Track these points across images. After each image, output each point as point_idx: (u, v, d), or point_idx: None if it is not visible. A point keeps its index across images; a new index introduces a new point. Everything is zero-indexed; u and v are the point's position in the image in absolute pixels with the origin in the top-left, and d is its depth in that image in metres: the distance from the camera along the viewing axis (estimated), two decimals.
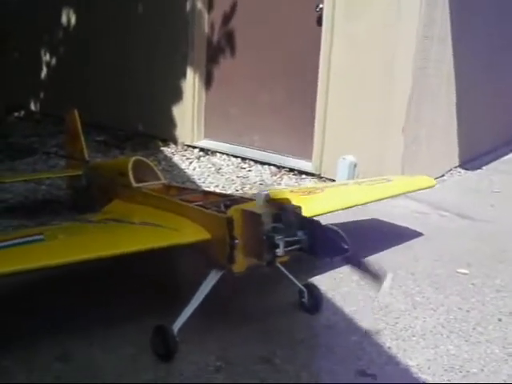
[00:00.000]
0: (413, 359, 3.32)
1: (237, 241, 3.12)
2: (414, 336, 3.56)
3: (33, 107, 10.19)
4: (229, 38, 7.56)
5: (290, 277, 3.70)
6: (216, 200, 3.80)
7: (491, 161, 8.17)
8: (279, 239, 2.96)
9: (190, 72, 7.79)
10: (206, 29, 7.74)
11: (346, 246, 2.90)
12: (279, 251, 2.98)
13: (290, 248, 3.00)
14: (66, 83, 9.25)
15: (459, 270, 4.52)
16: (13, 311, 3.62)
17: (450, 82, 7.00)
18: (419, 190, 5.29)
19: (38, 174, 6.55)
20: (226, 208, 3.39)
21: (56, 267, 3.09)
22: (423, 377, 3.15)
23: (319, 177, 6.75)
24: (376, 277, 3.05)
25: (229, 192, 6.14)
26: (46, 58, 9.78)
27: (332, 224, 3.10)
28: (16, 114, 9.94)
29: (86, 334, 3.38)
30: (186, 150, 7.95)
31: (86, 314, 3.61)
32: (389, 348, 3.42)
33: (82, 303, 3.74)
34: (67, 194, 5.81)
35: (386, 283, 2.86)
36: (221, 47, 7.65)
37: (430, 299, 4.05)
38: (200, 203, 3.65)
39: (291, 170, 7.03)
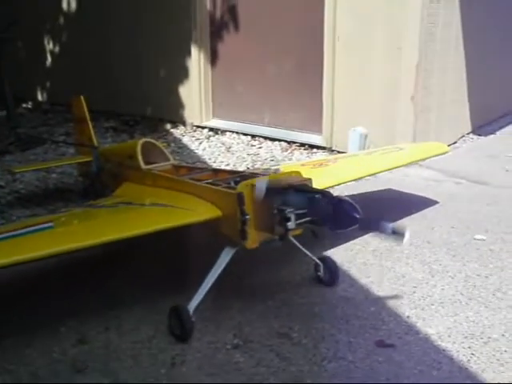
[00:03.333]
0: (432, 327, 3.28)
1: (248, 216, 3.08)
2: (432, 304, 3.52)
3: (40, 97, 10.19)
4: (232, 13, 7.46)
5: (305, 250, 3.67)
6: (226, 177, 3.77)
7: (504, 125, 8.06)
8: (290, 212, 2.92)
9: (194, 51, 7.73)
10: (208, 5, 7.65)
11: (358, 216, 2.85)
12: (291, 224, 2.94)
13: (301, 221, 2.97)
14: (71, 71, 9.23)
15: (476, 237, 4.46)
16: (28, 300, 3.62)
17: (459, 47, 6.88)
18: (432, 156, 5.22)
19: (47, 162, 6.55)
20: (236, 184, 3.35)
21: (66, 253, 3.08)
22: (443, 345, 3.11)
23: (330, 150, 6.69)
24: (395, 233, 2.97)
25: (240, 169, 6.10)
26: (51, 46, 9.76)
27: (345, 195, 3.05)
28: (24, 104, 9.94)
29: (102, 319, 3.38)
30: (195, 131, 7.92)
31: (100, 299, 3.61)
32: (408, 317, 3.38)
33: (95, 288, 3.74)
34: (78, 181, 5.81)
35: (407, 235, 2.80)
36: (224, 23, 7.56)
37: (448, 267, 4.00)
38: (210, 181, 3.63)
39: (302, 144, 6.98)
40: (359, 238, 4.36)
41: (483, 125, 7.74)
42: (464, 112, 7.36)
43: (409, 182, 5.70)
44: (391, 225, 2.82)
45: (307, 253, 3.68)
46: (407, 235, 2.80)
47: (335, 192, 3.18)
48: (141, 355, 3.06)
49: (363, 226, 2.92)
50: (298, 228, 3.08)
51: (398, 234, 2.84)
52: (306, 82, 6.96)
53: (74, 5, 9.20)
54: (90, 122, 5.38)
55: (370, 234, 4.43)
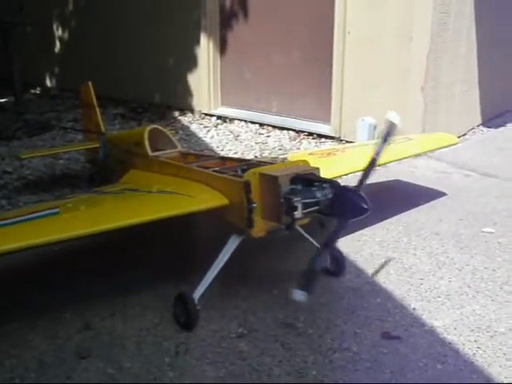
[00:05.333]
0: (438, 320, 3.26)
1: (254, 204, 3.07)
2: (439, 297, 3.50)
3: (49, 83, 10.18)
4: (242, 1, 7.41)
5: (312, 240, 3.64)
6: (233, 165, 3.74)
7: None
8: (297, 201, 2.90)
9: (203, 39, 7.69)
10: None
11: (365, 206, 2.82)
12: (298, 213, 2.92)
13: (308, 210, 2.94)
14: (80, 57, 9.20)
15: (484, 229, 4.43)
16: (33, 285, 3.62)
17: (471, 37, 6.80)
18: (441, 148, 5.17)
19: (55, 148, 6.55)
20: (243, 173, 3.32)
21: (72, 239, 3.07)
22: (449, 337, 3.09)
23: (339, 139, 6.65)
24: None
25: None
26: (60, 32, 9.73)
27: (353, 185, 3.02)
28: (32, 90, 9.93)
29: (107, 305, 3.37)
30: (203, 119, 7.89)
31: (106, 285, 3.61)
32: (414, 309, 3.36)
33: (101, 274, 3.73)
34: (85, 168, 5.80)
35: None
36: (234, 12, 7.52)
37: (455, 259, 3.97)
38: (217, 169, 3.60)
39: (310, 133, 6.94)
40: (366, 229, 4.35)
41: (493, 117, 7.67)
42: (474, 103, 7.29)
43: (417, 174, 5.66)
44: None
45: (314, 242, 3.65)
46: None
47: (343, 182, 3.14)
48: (145, 343, 3.06)
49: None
50: (305, 217, 3.05)
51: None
52: (315, 71, 6.91)
53: None
54: (97, 109, 5.36)
55: (378, 224, 4.43)
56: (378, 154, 2.91)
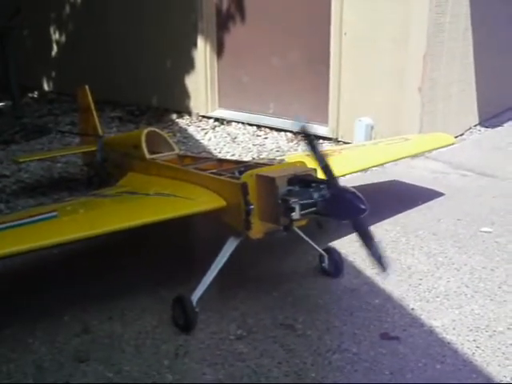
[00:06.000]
0: (437, 320, 3.26)
1: (252, 206, 3.07)
2: (437, 297, 3.50)
3: (46, 87, 10.18)
4: (238, 4, 7.42)
5: (310, 242, 3.64)
6: (230, 167, 3.74)
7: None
8: (294, 202, 2.90)
9: (200, 42, 7.70)
10: None
11: (363, 206, 2.82)
12: (295, 215, 2.91)
13: (306, 211, 2.94)
14: (77, 61, 9.20)
15: (482, 229, 4.43)
16: (31, 289, 3.62)
17: (467, 38, 6.81)
18: (438, 148, 5.18)
19: (52, 151, 6.55)
20: (241, 174, 3.32)
21: (70, 243, 3.06)
22: (448, 337, 3.09)
23: (336, 140, 6.65)
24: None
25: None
26: (57, 36, 9.74)
27: (350, 186, 3.02)
28: (30, 94, 9.93)
29: (105, 308, 3.37)
30: (200, 121, 7.90)
31: (104, 288, 3.60)
32: (412, 310, 3.36)
33: (99, 277, 3.73)
34: (83, 171, 5.80)
35: None
36: (230, 14, 7.52)
37: (453, 259, 3.97)
38: (214, 171, 3.61)
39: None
40: None
41: (490, 117, 7.68)
42: (471, 104, 7.30)
43: (415, 174, 5.66)
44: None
45: (312, 244, 3.66)
46: None
47: (340, 182, 3.14)
48: (144, 345, 3.05)
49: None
50: (303, 218, 3.05)
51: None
52: (312, 73, 6.92)
53: None
54: (94, 112, 5.36)
55: (375, 225, 4.43)
56: (321, 158, 2.91)
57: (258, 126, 7.39)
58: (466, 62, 6.94)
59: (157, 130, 4.51)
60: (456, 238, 4.28)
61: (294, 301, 3.44)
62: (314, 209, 2.95)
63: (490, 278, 3.71)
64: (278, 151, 6.57)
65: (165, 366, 2.89)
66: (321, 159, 2.90)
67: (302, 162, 3.28)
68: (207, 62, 7.74)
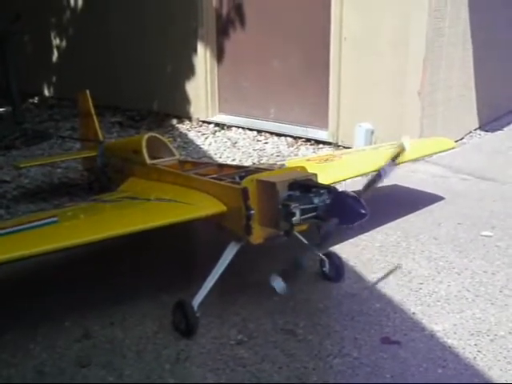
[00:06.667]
0: (438, 324, 3.26)
1: (252, 211, 3.07)
2: (438, 301, 3.50)
3: (46, 92, 10.19)
4: (238, 10, 7.44)
5: (310, 246, 3.63)
6: (231, 172, 3.75)
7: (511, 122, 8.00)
8: (295, 207, 2.90)
9: (200, 47, 7.71)
10: (214, 2, 7.63)
11: (363, 211, 2.82)
12: (296, 219, 2.92)
13: (306, 216, 2.94)
14: (78, 66, 9.21)
15: (483, 233, 4.43)
16: (32, 294, 3.62)
17: (467, 42, 6.82)
18: (438, 152, 5.18)
19: (53, 157, 6.55)
20: (241, 179, 3.33)
21: (70, 248, 3.06)
22: (449, 342, 3.09)
23: (336, 145, 6.66)
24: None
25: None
26: (57, 41, 9.75)
27: (351, 191, 3.02)
28: (30, 99, 9.94)
29: (106, 314, 3.37)
30: (201, 126, 7.90)
31: (105, 293, 3.60)
32: (413, 314, 3.36)
33: (100, 282, 3.73)
34: (83, 176, 5.80)
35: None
36: (230, 20, 7.54)
37: (454, 263, 3.97)
38: (215, 176, 3.61)
39: (308, 140, 6.95)
40: (365, 234, 4.35)
41: (490, 121, 7.69)
42: (471, 108, 7.31)
43: (415, 178, 5.67)
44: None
45: (313, 248, 3.65)
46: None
47: (341, 187, 3.14)
48: (145, 351, 3.05)
49: None
50: (304, 223, 3.05)
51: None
52: (312, 78, 6.93)
53: (80, 0, 9.19)
54: (95, 117, 5.36)
55: (377, 229, 4.43)
56: (384, 171, 2.93)
57: (259, 131, 7.40)
58: (466, 66, 6.95)
59: (157, 135, 4.51)
60: (457, 242, 4.29)
61: (294, 305, 3.44)
62: (314, 213, 2.95)
63: (491, 282, 3.71)
64: (278, 156, 6.58)
65: (166, 370, 2.89)
66: None
67: (303, 167, 3.28)
68: (207, 67, 7.75)
